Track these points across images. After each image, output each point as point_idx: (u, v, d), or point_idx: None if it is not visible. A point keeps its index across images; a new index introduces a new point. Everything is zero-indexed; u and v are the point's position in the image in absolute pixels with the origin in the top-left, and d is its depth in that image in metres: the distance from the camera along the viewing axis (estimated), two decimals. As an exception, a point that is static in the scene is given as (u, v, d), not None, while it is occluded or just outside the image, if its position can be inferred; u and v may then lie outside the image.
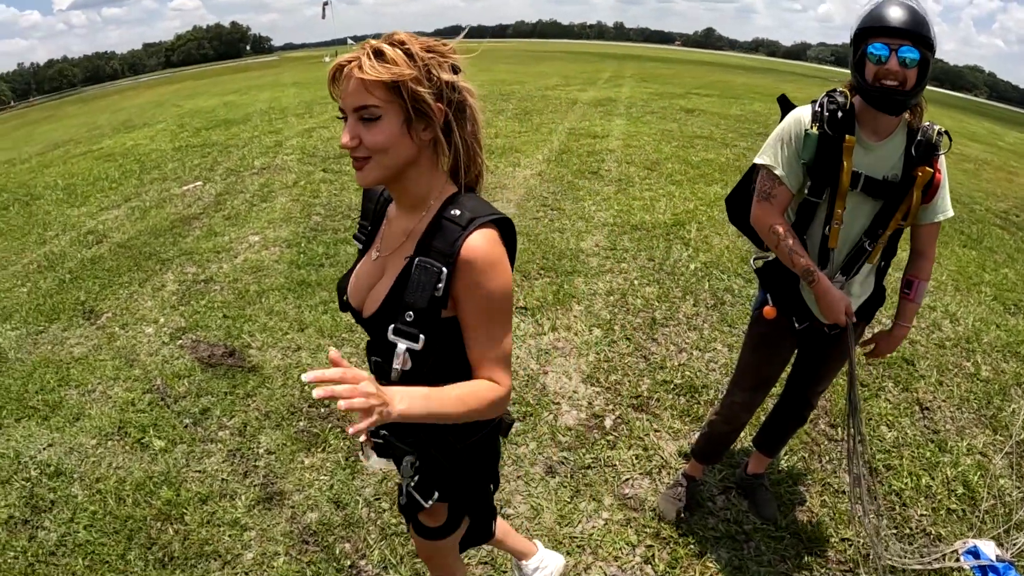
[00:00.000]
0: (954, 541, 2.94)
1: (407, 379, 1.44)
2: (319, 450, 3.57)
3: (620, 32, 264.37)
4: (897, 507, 3.14)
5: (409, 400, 1.32)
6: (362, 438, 1.71)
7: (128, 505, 3.24)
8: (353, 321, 1.85)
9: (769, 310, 2.50)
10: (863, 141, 2.19)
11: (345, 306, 1.66)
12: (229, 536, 3.03)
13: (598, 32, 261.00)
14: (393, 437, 1.62)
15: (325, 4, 57.40)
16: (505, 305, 1.47)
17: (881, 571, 2.68)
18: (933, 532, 3.03)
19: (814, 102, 2.25)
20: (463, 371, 1.51)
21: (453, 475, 1.72)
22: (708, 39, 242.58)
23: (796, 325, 2.51)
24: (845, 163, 2.17)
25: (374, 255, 1.60)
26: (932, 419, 3.79)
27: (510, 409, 3.78)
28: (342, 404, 1.16)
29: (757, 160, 2.36)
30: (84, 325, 5.20)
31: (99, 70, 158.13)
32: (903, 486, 3.25)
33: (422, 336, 1.42)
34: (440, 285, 1.39)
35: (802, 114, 2.26)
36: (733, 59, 72.99)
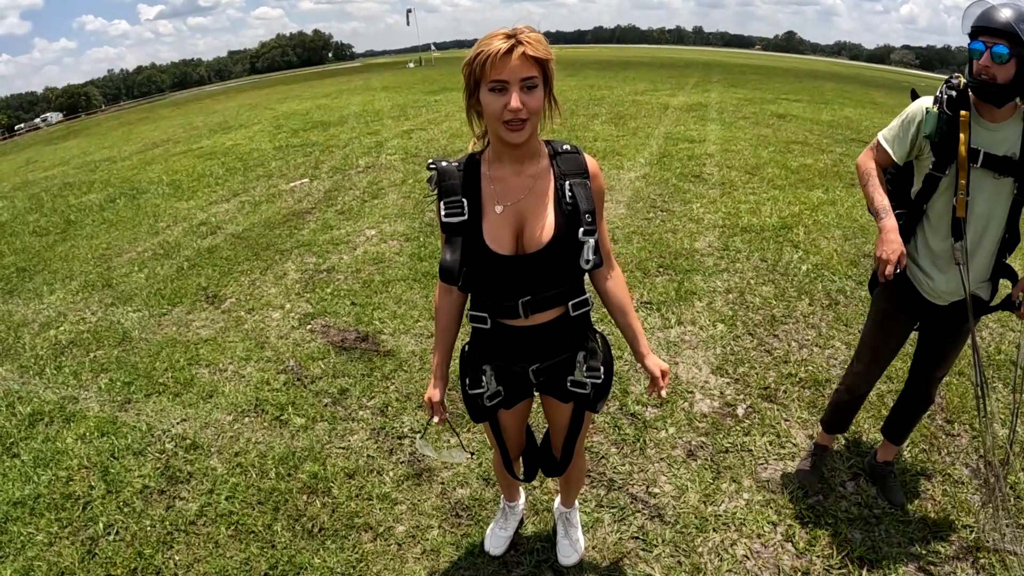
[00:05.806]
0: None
1: (591, 267, 1.89)
2: (463, 431, 3.65)
3: (699, 36, 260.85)
4: (1012, 499, 3.10)
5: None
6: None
7: (271, 478, 3.36)
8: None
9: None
10: (981, 121, 2.36)
11: (487, 260, 1.87)
12: (379, 509, 3.11)
13: (677, 37, 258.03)
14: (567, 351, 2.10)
15: (409, 11, 58.50)
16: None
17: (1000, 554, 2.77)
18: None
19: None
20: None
21: (604, 358, 2.17)
22: (789, 43, 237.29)
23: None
24: (962, 135, 2.34)
25: (498, 209, 1.85)
26: (1042, 419, 3.75)
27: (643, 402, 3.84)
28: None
29: (879, 134, 2.62)
30: (208, 309, 5.47)
31: (186, 76, 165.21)
32: (1017, 480, 3.23)
33: (596, 230, 1.85)
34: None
35: (925, 99, 2.47)
36: (819, 63, 70.86)
